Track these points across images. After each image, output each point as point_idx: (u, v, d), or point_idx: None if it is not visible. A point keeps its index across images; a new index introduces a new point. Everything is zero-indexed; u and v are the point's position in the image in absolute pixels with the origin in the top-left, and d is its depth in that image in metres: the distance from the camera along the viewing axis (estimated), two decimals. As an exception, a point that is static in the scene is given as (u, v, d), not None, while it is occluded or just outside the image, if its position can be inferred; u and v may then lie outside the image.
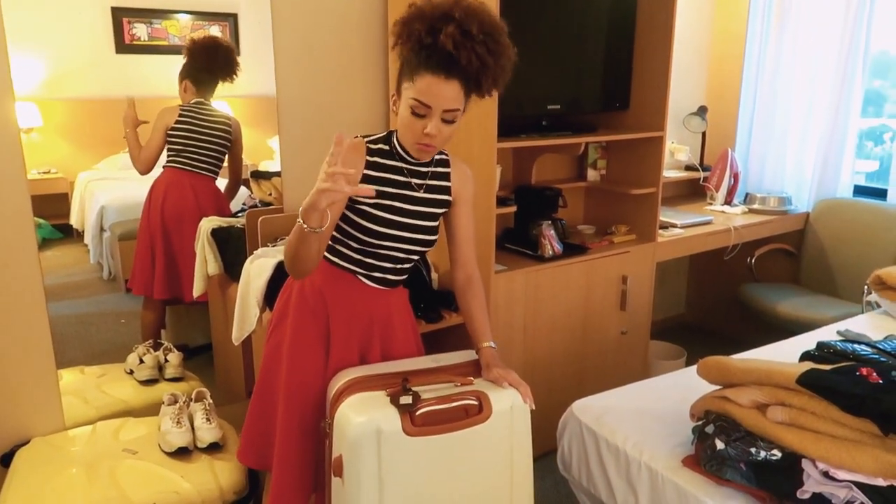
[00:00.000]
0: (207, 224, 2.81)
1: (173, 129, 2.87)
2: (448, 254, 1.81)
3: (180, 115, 2.87)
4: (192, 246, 2.87)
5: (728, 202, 3.72)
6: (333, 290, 1.71)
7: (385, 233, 1.63)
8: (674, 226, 3.21)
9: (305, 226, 1.41)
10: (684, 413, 1.94)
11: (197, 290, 2.84)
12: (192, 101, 2.86)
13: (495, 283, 2.50)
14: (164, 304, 3.00)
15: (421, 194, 1.68)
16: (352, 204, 1.63)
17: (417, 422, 1.50)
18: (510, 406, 1.61)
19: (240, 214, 2.89)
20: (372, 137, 1.66)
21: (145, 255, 2.92)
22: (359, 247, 1.66)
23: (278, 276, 2.27)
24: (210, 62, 2.86)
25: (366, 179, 1.60)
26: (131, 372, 2.79)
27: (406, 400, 1.52)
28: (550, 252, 2.67)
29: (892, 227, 3.33)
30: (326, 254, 1.72)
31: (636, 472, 1.87)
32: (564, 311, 2.73)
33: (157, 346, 2.86)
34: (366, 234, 1.63)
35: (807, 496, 1.49)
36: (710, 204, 3.73)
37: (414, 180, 1.67)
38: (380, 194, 1.61)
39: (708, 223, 3.35)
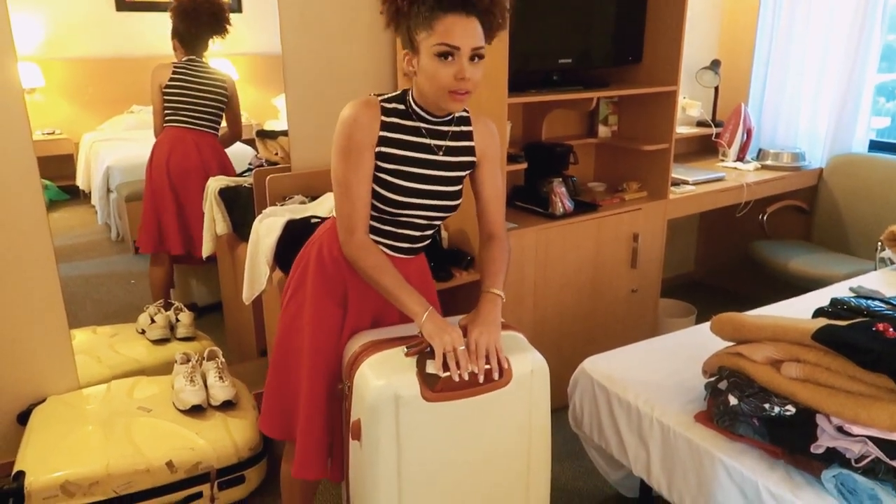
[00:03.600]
0: (215, 184, 2.79)
1: (168, 87, 2.85)
2: (474, 212, 1.75)
3: (173, 73, 2.85)
4: (200, 202, 2.85)
5: (740, 158, 3.66)
6: None
7: (406, 202, 1.57)
8: (685, 182, 3.17)
9: (416, 314, 1.52)
10: (696, 370, 1.94)
11: (206, 250, 2.84)
12: (184, 59, 2.83)
13: (505, 242, 2.48)
14: (171, 262, 3.00)
15: (441, 157, 1.60)
16: (378, 181, 1.57)
17: (437, 387, 1.48)
18: (531, 370, 1.58)
19: (246, 174, 2.87)
20: (385, 96, 1.58)
21: (151, 213, 2.91)
22: (378, 215, 1.60)
23: (287, 235, 2.26)
24: (195, 19, 2.81)
25: (383, 141, 1.54)
26: (143, 332, 2.81)
27: (431, 367, 1.49)
28: (561, 209, 2.64)
29: (908, 183, 3.29)
30: None
31: (648, 428, 1.88)
32: (575, 269, 2.72)
33: (167, 306, 2.87)
34: (386, 204, 1.57)
35: (820, 451, 1.50)
36: (723, 160, 3.68)
37: (434, 142, 1.59)
38: (399, 159, 1.55)
39: (720, 180, 3.30)
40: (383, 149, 1.54)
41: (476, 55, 1.45)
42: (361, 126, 1.52)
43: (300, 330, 1.69)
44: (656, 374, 2.02)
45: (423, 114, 1.57)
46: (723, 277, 4.11)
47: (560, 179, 2.67)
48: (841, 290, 2.56)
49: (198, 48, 2.84)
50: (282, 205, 2.46)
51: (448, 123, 1.61)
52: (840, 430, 1.47)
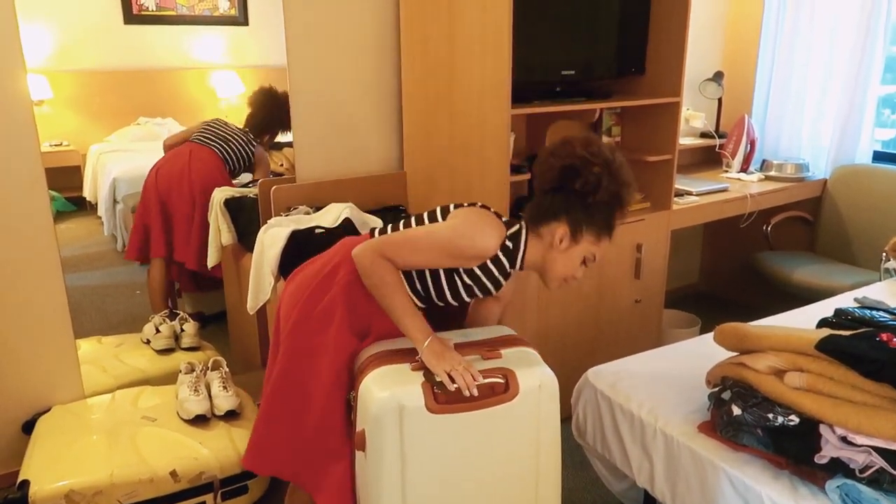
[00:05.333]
0: (220, 194, 2.81)
1: (207, 123, 3.04)
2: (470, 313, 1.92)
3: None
4: (184, 208, 2.94)
5: (744, 169, 3.66)
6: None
7: (454, 304, 1.74)
8: (689, 193, 3.17)
9: (417, 341, 1.56)
10: (699, 380, 1.94)
11: (211, 260, 2.86)
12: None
13: (509, 252, 2.48)
14: (167, 269, 3.06)
15: (492, 288, 1.72)
16: (447, 275, 1.66)
17: (441, 399, 1.48)
18: (538, 384, 1.57)
19: (250, 185, 2.89)
20: (510, 231, 1.67)
21: (139, 222, 3.00)
22: (425, 296, 1.72)
23: (292, 245, 2.27)
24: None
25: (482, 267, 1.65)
26: (148, 342, 2.82)
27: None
28: (564, 220, 2.65)
29: (912, 194, 3.28)
30: None
31: (651, 438, 1.87)
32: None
33: (172, 316, 2.88)
34: (439, 297, 1.71)
35: (824, 461, 1.49)
36: (726, 171, 3.69)
37: (503, 278, 1.71)
38: (479, 285, 1.68)
39: (724, 191, 3.30)
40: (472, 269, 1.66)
41: None
42: (484, 246, 1.62)
43: (318, 357, 1.67)
44: (660, 385, 2.02)
45: (518, 265, 1.68)
46: (727, 288, 4.10)
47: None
48: (846, 300, 2.55)
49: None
50: (286, 215, 2.48)
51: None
52: (844, 440, 1.47)
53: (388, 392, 1.47)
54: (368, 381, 1.52)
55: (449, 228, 1.62)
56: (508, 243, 1.64)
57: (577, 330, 2.77)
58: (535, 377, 1.57)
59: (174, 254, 3.00)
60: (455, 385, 1.48)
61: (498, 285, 1.70)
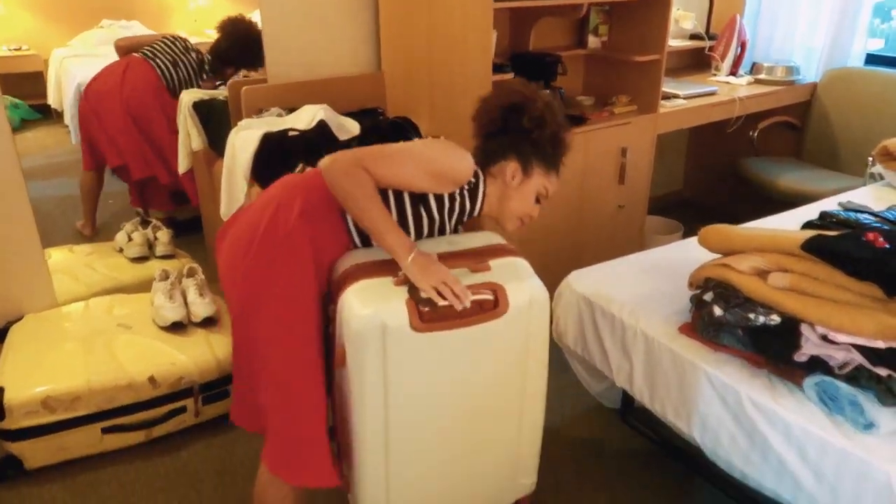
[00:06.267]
0: (188, 97, 2.68)
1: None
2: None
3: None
4: (117, 122, 2.86)
5: (733, 72, 3.56)
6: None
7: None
8: (676, 96, 3.08)
9: (401, 256, 1.45)
10: (681, 283, 1.92)
11: (182, 166, 2.76)
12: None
13: (491, 156, 2.41)
14: (100, 180, 3.04)
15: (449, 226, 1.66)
16: (414, 205, 1.55)
17: (426, 317, 1.41)
18: (529, 300, 1.50)
19: (220, 86, 2.75)
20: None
21: (83, 135, 2.97)
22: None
23: (264, 149, 2.18)
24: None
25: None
26: (121, 250, 2.75)
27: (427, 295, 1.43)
28: (548, 123, 2.56)
29: (902, 97, 3.21)
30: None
31: (632, 340, 1.87)
32: (561, 184, 2.65)
33: (145, 224, 2.81)
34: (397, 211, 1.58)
35: (804, 359, 1.49)
36: (715, 74, 3.58)
37: (458, 219, 1.64)
38: (440, 221, 1.59)
39: (712, 94, 3.21)
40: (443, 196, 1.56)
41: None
42: (462, 170, 1.54)
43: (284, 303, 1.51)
44: (641, 288, 2.01)
45: (478, 206, 1.62)
46: (711, 195, 4.07)
47: (548, 91, 2.58)
48: (830, 205, 2.53)
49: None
50: (258, 117, 2.37)
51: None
52: (825, 338, 1.47)
53: (369, 309, 1.39)
54: (350, 296, 1.43)
55: (425, 145, 1.57)
56: (472, 178, 1.58)
57: (560, 236, 2.74)
58: (526, 292, 1.50)
59: (108, 162, 2.95)
60: (445, 302, 1.41)
61: (452, 219, 1.62)
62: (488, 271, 1.51)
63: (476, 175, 1.59)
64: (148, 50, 2.88)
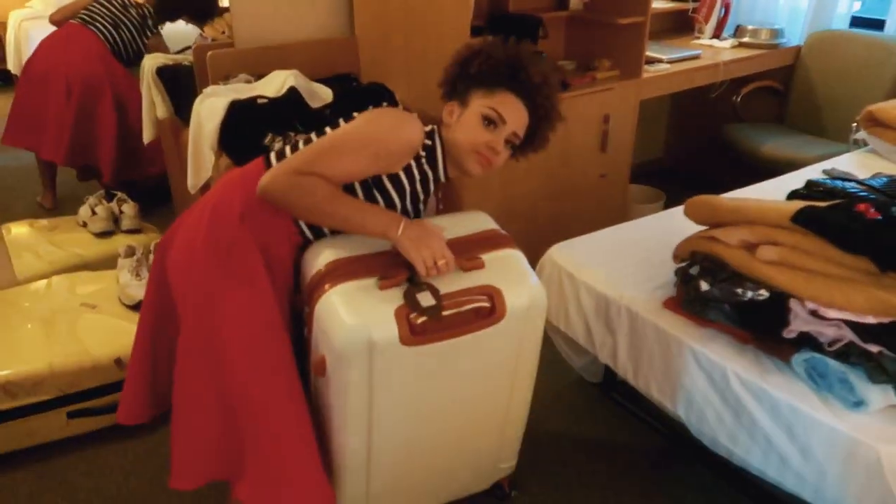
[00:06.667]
0: (151, 62, 2.55)
1: None
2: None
3: None
4: (59, 103, 2.68)
5: (717, 35, 3.48)
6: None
7: None
8: (660, 61, 3.00)
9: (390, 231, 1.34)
10: (665, 255, 1.87)
11: (147, 135, 2.64)
12: None
13: (470, 124, 2.32)
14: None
15: (409, 204, 1.51)
16: (366, 194, 1.43)
17: (417, 329, 1.28)
18: (527, 304, 1.40)
19: (185, 51, 2.62)
20: (426, 130, 1.47)
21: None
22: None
23: (232, 118, 2.07)
24: None
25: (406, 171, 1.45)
26: (85, 224, 2.64)
27: (426, 299, 1.28)
28: (529, 89, 2.47)
29: (888, 61, 3.15)
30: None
31: (615, 315, 1.82)
32: (542, 152, 2.58)
33: (109, 197, 2.69)
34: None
35: (793, 335, 1.45)
36: (698, 37, 3.49)
37: (423, 192, 1.51)
38: (390, 195, 1.45)
39: (695, 58, 3.13)
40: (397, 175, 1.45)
41: (511, 141, 1.46)
42: (410, 138, 1.41)
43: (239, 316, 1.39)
44: (625, 261, 1.95)
45: (440, 169, 1.50)
46: (693, 163, 4.01)
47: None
48: (813, 173, 2.48)
49: None
50: (225, 84, 2.25)
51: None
52: (814, 314, 1.42)
53: (357, 320, 1.26)
54: (330, 303, 1.29)
55: (365, 123, 1.41)
56: (427, 140, 1.47)
57: (541, 205, 2.67)
58: (524, 295, 1.39)
59: (41, 153, 2.80)
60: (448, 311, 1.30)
61: (417, 197, 1.51)
62: (482, 269, 1.40)
63: (432, 138, 1.48)
64: (85, 14, 2.69)
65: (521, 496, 1.86)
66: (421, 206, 1.56)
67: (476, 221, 1.54)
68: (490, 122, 1.42)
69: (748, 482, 1.79)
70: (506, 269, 1.42)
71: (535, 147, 1.55)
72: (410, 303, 1.30)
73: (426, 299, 1.30)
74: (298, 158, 1.35)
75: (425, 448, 1.52)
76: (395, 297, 1.32)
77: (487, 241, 1.47)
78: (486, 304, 1.35)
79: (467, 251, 1.42)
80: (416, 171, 1.46)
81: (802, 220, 1.45)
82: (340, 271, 1.34)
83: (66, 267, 2.41)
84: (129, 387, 1.62)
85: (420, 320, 1.29)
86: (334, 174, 1.35)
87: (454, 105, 1.47)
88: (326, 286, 1.31)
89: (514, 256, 1.47)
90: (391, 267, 1.35)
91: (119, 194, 2.70)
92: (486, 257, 1.42)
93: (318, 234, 1.45)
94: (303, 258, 1.43)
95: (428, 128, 1.49)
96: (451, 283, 1.35)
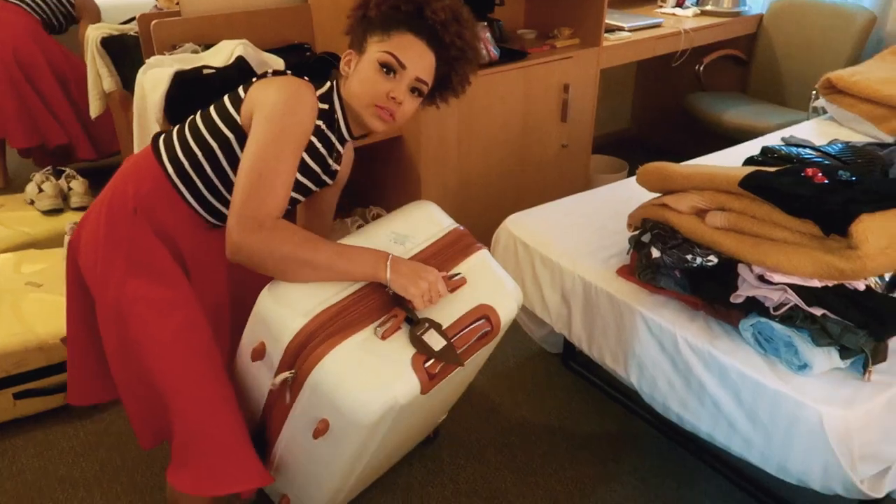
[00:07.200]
0: (95, 32, 2.46)
1: None
2: (301, 210, 1.61)
3: None
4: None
5: (679, 3, 3.45)
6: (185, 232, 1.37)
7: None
8: (621, 29, 2.97)
9: (379, 271, 1.26)
10: (620, 224, 1.86)
11: (94, 109, 2.55)
12: None
13: (426, 93, 2.27)
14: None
15: (326, 179, 1.46)
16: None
17: (434, 373, 1.20)
18: (514, 311, 1.40)
19: (130, 21, 2.52)
20: (319, 92, 1.35)
21: None
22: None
23: (176, 88, 2.00)
24: None
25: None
26: (32, 202, 2.56)
27: (435, 340, 1.20)
28: (486, 57, 2.43)
29: (848, 28, 3.15)
30: (211, 200, 1.35)
31: (570, 285, 1.81)
32: (501, 123, 2.55)
33: (58, 174, 2.61)
34: None
35: (740, 300, 1.45)
36: (661, 6, 3.46)
37: (332, 163, 1.43)
38: (302, 168, 1.36)
39: (657, 26, 3.11)
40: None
41: (417, 88, 1.33)
42: (309, 115, 1.28)
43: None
44: (581, 231, 1.94)
45: (343, 130, 1.40)
46: (658, 133, 4.01)
47: (485, 24, 2.43)
48: (773, 140, 2.48)
49: None
50: (170, 53, 2.17)
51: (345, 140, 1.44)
52: (761, 278, 1.42)
53: (377, 392, 1.15)
54: (338, 370, 1.16)
55: (268, 120, 1.24)
56: (323, 104, 1.35)
57: (501, 177, 2.64)
58: (512, 305, 1.38)
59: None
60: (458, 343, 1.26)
61: (327, 168, 1.43)
62: (465, 285, 1.36)
63: (329, 99, 1.37)
64: None
65: (480, 466, 1.85)
66: (333, 167, 1.47)
67: (430, 221, 1.46)
68: (388, 68, 1.29)
69: (703, 448, 1.81)
70: (484, 277, 1.39)
71: (454, 90, 1.43)
72: (421, 348, 1.21)
73: (435, 340, 1.22)
74: (248, 206, 1.20)
75: (396, 445, 1.52)
76: (401, 345, 1.22)
77: (456, 249, 1.43)
78: (488, 329, 1.34)
79: (443, 266, 1.37)
80: (316, 144, 1.37)
81: (749, 184, 1.44)
82: (330, 330, 1.20)
83: (13, 245, 2.35)
84: (73, 369, 1.57)
85: (439, 367, 1.22)
86: (283, 191, 1.24)
87: (352, 54, 1.36)
88: (318, 346, 1.19)
89: (485, 259, 1.44)
90: (378, 308, 1.25)
91: (68, 170, 2.62)
92: (463, 269, 1.39)
93: (219, 217, 1.37)
94: (261, 304, 1.25)
95: (325, 87, 1.37)
96: (446, 312, 1.30)
